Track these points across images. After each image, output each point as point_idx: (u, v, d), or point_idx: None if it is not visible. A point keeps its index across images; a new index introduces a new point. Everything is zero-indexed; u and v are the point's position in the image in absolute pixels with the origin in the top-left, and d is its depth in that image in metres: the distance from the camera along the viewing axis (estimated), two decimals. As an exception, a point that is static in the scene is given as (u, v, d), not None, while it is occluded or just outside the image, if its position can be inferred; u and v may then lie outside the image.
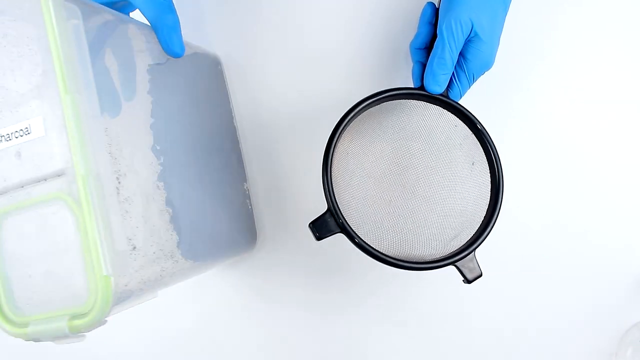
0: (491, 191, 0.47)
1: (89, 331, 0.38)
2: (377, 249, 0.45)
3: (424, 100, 0.48)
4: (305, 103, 0.55)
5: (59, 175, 0.38)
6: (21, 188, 0.39)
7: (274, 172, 0.56)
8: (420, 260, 0.46)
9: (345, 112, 0.46)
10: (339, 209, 0.45)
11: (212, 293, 0.59)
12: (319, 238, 0.45)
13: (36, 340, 0.39)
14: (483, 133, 0.47)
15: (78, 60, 0.37)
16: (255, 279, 0.57)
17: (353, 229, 0.45)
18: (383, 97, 0.47)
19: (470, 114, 0.47)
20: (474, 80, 0.48)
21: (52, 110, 0.37)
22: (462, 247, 0.46)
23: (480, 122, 0.47)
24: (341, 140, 0.47)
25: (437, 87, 0.46)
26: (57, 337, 0.38)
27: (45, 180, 0.38)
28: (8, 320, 0.39)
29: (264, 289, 0.57)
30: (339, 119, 0.46)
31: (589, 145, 0.54)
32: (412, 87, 0.48)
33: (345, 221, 0.45)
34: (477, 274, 0.46)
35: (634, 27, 0.53)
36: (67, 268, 0.38)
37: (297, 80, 0.55)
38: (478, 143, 0.48)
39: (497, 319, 0.55)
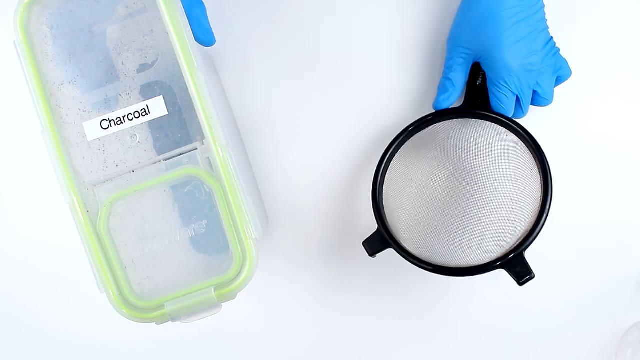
0: (543, 194, 0.47)
1: (234, 298, 0.41)
2: (425, 259, 0.47)
3: (478, 119, 0.49)
4: (299, 105, 0.54)
5: (189, 151, 0.41)
6: (138, 170, 0.41)
7: (271, 173, 0.55)
8: (468, 266, 0.47)
9: (394, 136, 0.49)
10: (389, 229, 0.48)
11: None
12: (372, 255, 0.49)
13: (175, 319, 0.41)
14: (531, 141, 0.48)
15: (188, 38, 0.41)
16: (254, 279, 0.57)
17: (402, 244, 0.48)
18: (437, 119, 0.49)
19: (518, 124, 0.48)
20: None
21: (173, 88, 0.41)
22: (511, 249, 0.46)
23: (528, 131, 0.48)
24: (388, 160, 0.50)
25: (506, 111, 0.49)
26: (202, 310, 0.40)
27: (166, 159, 0.41)
28: (137, 308, 0.41)
29: (265, 289, 0.56)
30: (388, 144, 0.49)
31: (587, 144, 0.53)
32: (466, 107, 0.50)
33: (395, 240, 0.48)
34: (529, 275, 0.46)
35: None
36: (183, 245, 0.41)
37: (292, 83, 0.54)
38: (527, 150, 0.48)
39: (496, 318, 0.55)
